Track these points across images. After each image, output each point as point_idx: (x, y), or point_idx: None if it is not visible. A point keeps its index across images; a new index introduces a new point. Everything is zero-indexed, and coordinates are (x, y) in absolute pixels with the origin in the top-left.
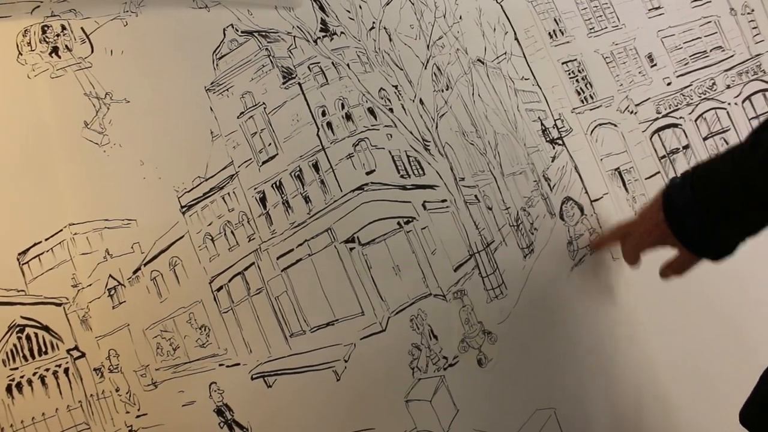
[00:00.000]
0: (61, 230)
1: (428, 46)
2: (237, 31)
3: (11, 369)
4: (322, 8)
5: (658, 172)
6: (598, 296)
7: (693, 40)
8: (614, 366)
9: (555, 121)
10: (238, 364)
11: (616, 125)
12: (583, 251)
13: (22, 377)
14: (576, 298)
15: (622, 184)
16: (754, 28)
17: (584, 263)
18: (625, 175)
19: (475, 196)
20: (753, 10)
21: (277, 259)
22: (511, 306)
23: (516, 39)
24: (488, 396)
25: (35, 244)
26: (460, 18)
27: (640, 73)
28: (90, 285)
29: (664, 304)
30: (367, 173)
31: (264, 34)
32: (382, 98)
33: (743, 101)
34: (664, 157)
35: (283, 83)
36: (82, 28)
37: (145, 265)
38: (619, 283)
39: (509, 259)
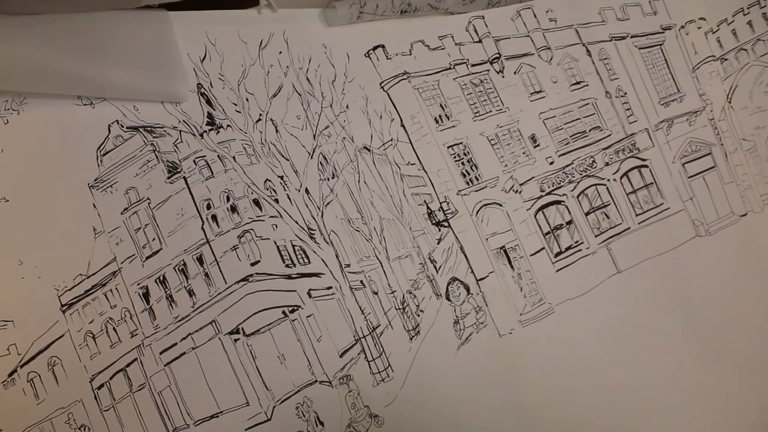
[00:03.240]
0: None
1: (314, 136)
2: (122, 126)
3: None
4: (208, 102)
5: (543, 248)
6: (485, 374)
7: (573, 121)
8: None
9: (441, 203)
10: None
11: (501, 205)
12: (470, 329)
13: None
14: (463, 377)
15: (507, 262)
16: (628, 109)
17: (470, 342)
18: (510, 253)
19: (361, 281)
20: (626, 93)
21: (160, 354)
22: (398, 388)
23: (402, 125)
24: None
25: None
26: (347, 107)
27: (524, 153)
28: None
29: (550, 380)
30: (252, 264)
31: (149, 129)
32: (267, 189)
33: (621, 177)
34: (548, 233)
35: (168, 178)
36: None
37: (21, 366)
38: (505, 358)
39: (395, 342)
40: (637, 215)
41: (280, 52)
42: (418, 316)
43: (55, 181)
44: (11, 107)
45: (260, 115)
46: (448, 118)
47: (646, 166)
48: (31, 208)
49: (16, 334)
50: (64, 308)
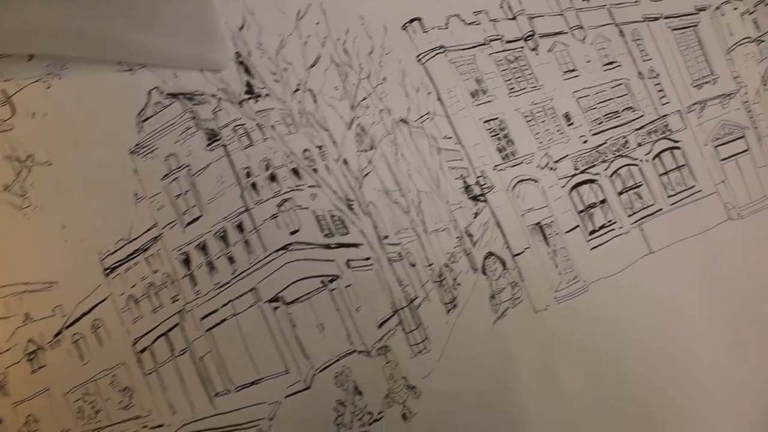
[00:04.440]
0: None
1: (352, 107)
2: (162, 93)
3: None
4: (247, 71)
5: (578, 226)
6: (521, 350)
7: (606, 101)
8: (535, 417)
9: (477, 178)
10: (162, 426)
11: (536, 181)
12: (506, 304)
13: None
14: (499, 351)
15: (543, 238)
16: (660, 90)
17: (506, 316)
18: (546, 230)
19: (399, 253)
20: (658, 74)
21: (202, 319)
22: (435, 361)
23: (439, 99)
24: None
25: None
26: (384, 79)
27: (558, 131)
28: (8, 350)
29: (584, 357)
30: (291, 233)
31: (189, 96)
32: (306, 159)
33: (653, 158)
34: (582, 211)
35: (208, 145)
36: (3, 90)
37: (66, 328)
38: (540, 334)
39: (433, 315)
40: (669, 197)
41: (318, 23)
42: (455, 289)
43: (96, 146)
44: (53, 72)
45: (298, 85)
46: (484, 93)
47: (679, 148)
48: (73, 172)
49: (60, 296)
50: (106, 272)
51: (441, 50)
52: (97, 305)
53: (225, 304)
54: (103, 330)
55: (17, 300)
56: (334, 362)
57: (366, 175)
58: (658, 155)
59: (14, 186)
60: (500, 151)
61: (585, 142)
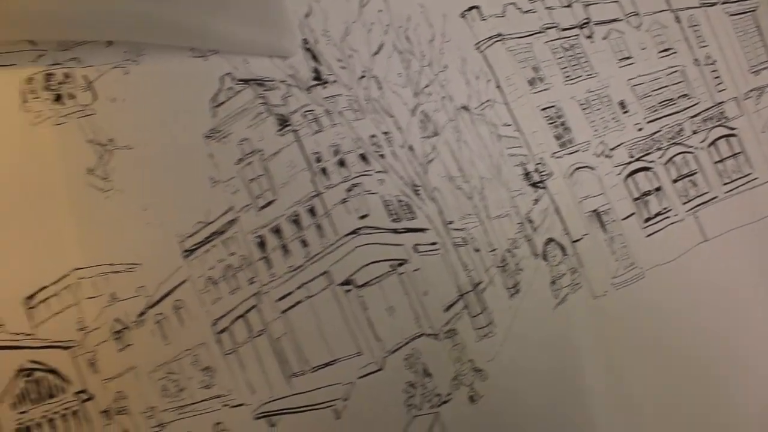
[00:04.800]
0: (67, 275)
1: (415, 94)
2: (233, 79)
3: (20, 413)
4: (314, 57)
5: (634, 213)
6: (581, 335)
7: (661, 88)
8: (596, 400)
9: (536, 165)
10: (242, 405)
11: (593, 168)
12: (566, 290)
13: (31, 421)
14: (560, 335)
15: (600, 225)
16: (717, 77)
17: (567, 302)
18: (602, 217)
19: (463, 238)
20: (715, 61)
21: (277, 301)
22: (500, 344)
23: (498, 86)
24: (480, 431)
25: (42, 289)
26: (445, 67)
27: (613, 119)
28: (97, 328)
29: (642, 342)
30: (361, 217)
31: (259, 82)
32: (373, 144)
33: (708, 146)
34: (638, 198)
35: (279, 130)
36: (84, 76)
37: (149, 308)
38: (599, 319)
39: (497, 299)
40: (724, 184)
41: (380, 11)
42: (518, 274)
43: (173, 130)
44: (130, 58)
45: (363, 72)
46: (542, 81)
47: (735, 135)
48: (152, 156)
49: (143, 277)
50: (185, 254)
51: (499, 38)
52: (178, 286)
53: (299, 287)
54: (184, 311)
55: (103, 280)
56: (404, 345)
57: (431, 161)
58: (713, 143)
59: (97, 169)
60: (558, 138)
61: (640, 129)
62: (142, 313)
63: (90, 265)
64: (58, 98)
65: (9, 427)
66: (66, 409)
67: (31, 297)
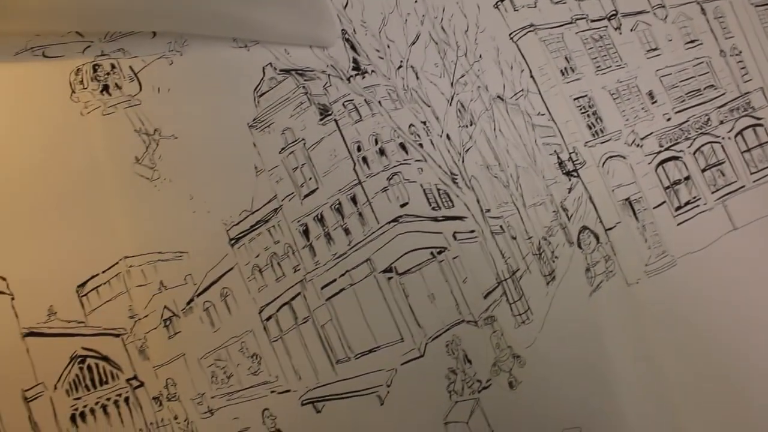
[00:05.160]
0: (117, 263)
1: (452, 84)
2: (275, 69)
3: (74, 399)
4: (353, 48)
5: (665, 202)
6: (615, 322)
7: (688, 79)
8: (630, 385)
9: (570, 154)
10: (289, 391)
11: (624, 158)
12: (600, 277)
13: (85, 407)
14: (595, 321)
15: (632, 213)
16: (743, 68)
17: (601, 289)
18: (634, 205)
19: (501, 226)
20: (741, 52)
21: (322, 288)
22: (537, 331)
23: (531, 76)
24: (520, 417)
25: (93, 277)
26: (480, 57)
27: (643, 109)
28: (146, 316)
29: (675, 329)
30: (401, 206)
31: (301, 72)
32: (412, 134)
33: (735, 135)
34: (668, 187)
35: (321, 120)
36: (130, 67)
37: (197, 296)
38: (633, 306)
39: (533, 286)
40: (751, 173)
41: (416, 1)
42: (554, 262)
43: (217, 119)
44: (175, 49)
45: (401, 61)
46: (573, 71)
47: (761, 125)
48: (197, 145)
49: (191, 265)
50: (232, 242)
51: (531, 28)
52: (224, 274)
53: (342, 275)
54: (231, 298)
55: (152, 268)
56: (445, 331)
57: (468, 150)
58: (740, 132)
59: (144, 159)
60: (590, 127)
61: (668, 119)
62: (190, 301)
63: (139, 254)
64: (105, 89)
65: (64, 413)
66: (118, 395)
67: (82, 285)
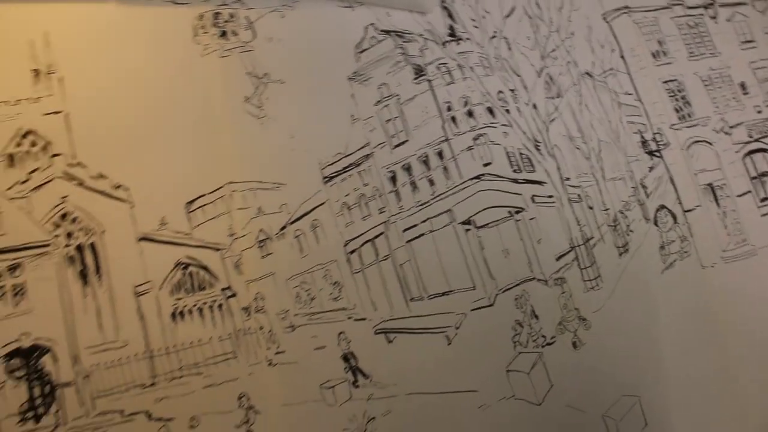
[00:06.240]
0: (222, 187)
1: (542, 57)
2: (376, 29)
3: (176, 299)
4: (450, 15)
5: (749, 191)
6: (686, 301)
7: None
8: (696, 363)
9: (654, 134)
10: (364, 319)
11: (711, 143)
12: (674, 256)
13: (185, 307)
14: (665, 299)
15: (714, 199)
16: None
17: (674, 267)
18: (717, 191)
19: (578, 195)
20: None
21: (403, 231)
22: (606, 298)
23: (622, 56)
24: (580, 376)
25: (200, 196)
26: (572, 34)
27: (734, 98)
28: (244, 236)
29: (747, 315)
30: (485, 165)
31: (399, 34)
32: (500, 100)
33: None
34: (755, 178)
35: (415, 79)
36: (246, 17)
37: (290, 224)
38: (705, 289)
39: (606, 255)
40: None
41: None
42: (628, 235)
43: (321, 70)
44: (287, 3)
45: (495, 32)
46: (665, 55)
47: None
48: (301, 91)
49: (286, 196)
50: (325, 180)
51: (626, 10)
52: (316, 207)
53: (424, 221)
54: (320, 230)
55: (252, 195)
56: (515, 286)
57: (552, 120)
58: None
59: (253, 98)
60: (677, 111)
61: (759, 112)
62: (283, 227)
63: (242, 180)
64: (223, 34)
65: (167, 310)
66: (213, 301)
67: (191, 202)
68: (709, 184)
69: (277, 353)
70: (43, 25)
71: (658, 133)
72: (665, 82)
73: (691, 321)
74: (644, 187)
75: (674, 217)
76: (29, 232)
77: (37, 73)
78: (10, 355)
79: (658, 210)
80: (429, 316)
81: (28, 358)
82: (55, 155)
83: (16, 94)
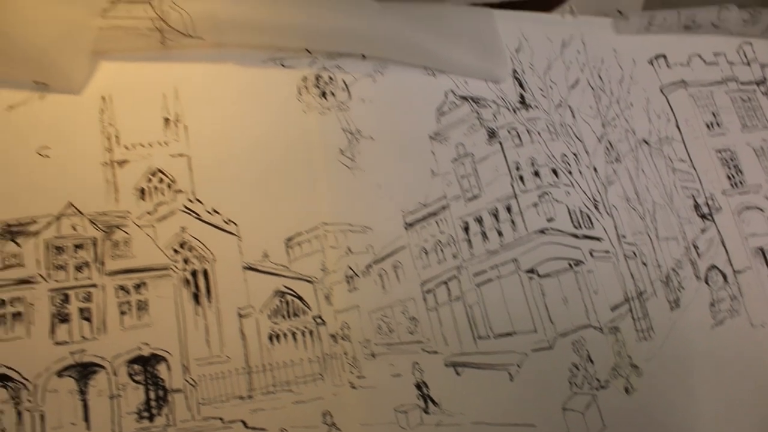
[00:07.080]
0: (318, 227)
1: (603, 125)
2: (455, 95)
3: (273, 323)
4: (521, 85)
5: None
6: (735, 358)
7: None
8: (742, 419)
9: (706, 199)
10: (436, 352)
11: (762, 210)
12: (724, 314)
13: (280, 330)
14: (714, 355)
15: (764, 262)
16: None
17: (724, 324)
18: (767, 254)
19: (633, 252)
20: None
21: (473, 276)
22: (657, 348)
23: (677, 126)
24: (631, 421)
25: (298, 234)
26: (631, 104)
27: None
28: (334, 271)
29: None
30: (548, 220)
31: (475, 99)
32: (563, 162)
33: None
34: None
35: (488, 140)
36: (343, 80)
37: (375, 263)
38: (754, 346)
39: (658, 309)
40: None
41: (578, 51)
42: (679, 291)
43: (406, 129)
44: (378, 70)
45: (561, 101)
46: (719, 126)
47: None
48: (388, 147)
49: (372, 239)
50: (406, 226)
51: (682, 84)
52: (397, 250)
53: (492, 268)
54: (401, 270)
55: (343, 236)
56: (573, 332)
57: (611, 183)
58: None
59: (347, 151)
60: (729, 178)
61: None
62: (368, 266)
63: (335, 222)
64: (323, 95)
65: (265, 332)
66: (305, 327)
67: (290, 239)
68: (760, 248)
69: (359, 377)
70: (174, 80)
71: (710, 198)
72: (718, 151)
73: (740, 381)
74: (696, 247)
75: (725, 276)
76: (154, 256)
77: (167, 121)
78: (133, 361)
79: (709, 269)
80: (494, 353)
81: (147, 365)
82: (178, 191)
83: (149, 137)
